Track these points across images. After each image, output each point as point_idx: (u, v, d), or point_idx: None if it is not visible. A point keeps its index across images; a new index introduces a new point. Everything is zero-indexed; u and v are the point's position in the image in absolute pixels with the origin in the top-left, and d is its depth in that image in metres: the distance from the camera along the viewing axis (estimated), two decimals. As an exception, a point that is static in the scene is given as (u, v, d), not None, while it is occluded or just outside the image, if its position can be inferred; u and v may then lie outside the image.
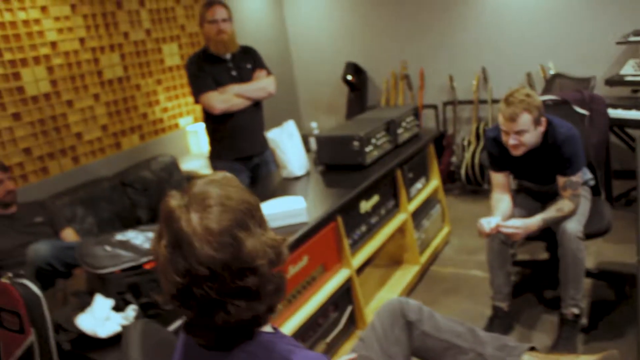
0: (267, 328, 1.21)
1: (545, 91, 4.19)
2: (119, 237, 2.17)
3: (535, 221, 2.68)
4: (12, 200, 3.27)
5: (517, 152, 2.75)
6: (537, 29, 4.80)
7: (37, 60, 3.81)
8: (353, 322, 2.98)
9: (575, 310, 2.76)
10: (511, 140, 2.70)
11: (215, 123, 3.47)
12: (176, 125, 4.93)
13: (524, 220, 2.68)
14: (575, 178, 2.74)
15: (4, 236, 3.18)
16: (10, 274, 1.95)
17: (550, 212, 2.72)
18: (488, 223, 2.68)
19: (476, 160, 4.89)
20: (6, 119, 3.63)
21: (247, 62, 3.55)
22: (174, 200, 1.10)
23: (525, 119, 2.61)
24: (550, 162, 2.79)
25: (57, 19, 3.92)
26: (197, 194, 1.10)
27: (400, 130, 3.59)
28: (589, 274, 3.24)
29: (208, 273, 1.04)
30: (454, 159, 5.17)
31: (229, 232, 1.05)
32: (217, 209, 1.07)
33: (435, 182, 4.02)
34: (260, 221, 1.14)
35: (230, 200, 1.09)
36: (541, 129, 2.69)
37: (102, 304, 1.93)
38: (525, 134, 2.65)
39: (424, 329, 1.94)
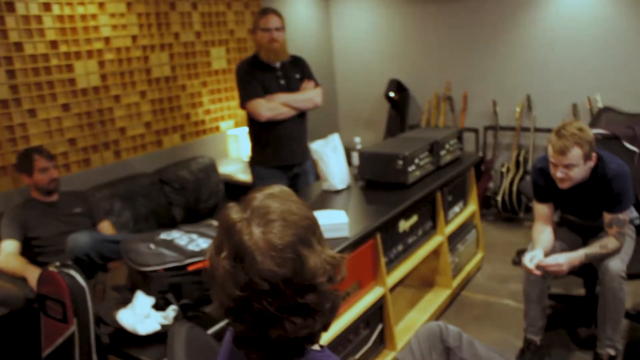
0: (315, 346, 1.19)
1: (592, 125, 4.12)
2: (164, 236, 2.19)
3: (577, 256, 2.63)
4: (55, 189, 3.32)
5: (564, 186, 2.70)
6: (587, 60, 4.74)
7: (90, 54, 3.88)
8: (382, 341, 2.96)
9: (611, 352, 2.71)
10: (559, 173, 2.65)
11: (260, 130, 3.49)
12: (217, 128, 4.98)
13: (567, 255, 2.63)
14: (622, 216, 2.69)
15: (45, 223, 3.23)
16: (57, 263, 1.98)
17: (594, 249, 2.67)
18: (530, 260, 2.64)
19: (514, 188, 4.83)
20: (56, 109, 3.71)
21: (296, 72, 3.57)
22: (235, 213, 1.09)
23: (576, 154, 2.57)
24: (597, 198, 2.74)
25: (112, 15, 3.99)
26: (258, 207, 1.08)
27: (443, 152, 3.57)
28: (626, 314, 3.17)
29: (269, 288, 1.02)
30: (491, 185, 5.12)
31: (292, 248, 1.04)
32: (280, 223, 1.06)
33: (473, 206, 3.98)
34: (320, 238, 1.12)
35: (292, 215, 1.08)
36: (591, 164, 2.65)
37: (143, 301, 1.94)
38: (574, 168, 2.61)
39: (462, 356, 1.91)
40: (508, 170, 4.97)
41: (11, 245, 3.10)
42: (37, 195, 3.29)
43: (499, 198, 4.91)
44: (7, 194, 3.46)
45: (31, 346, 2.33)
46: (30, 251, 3.18)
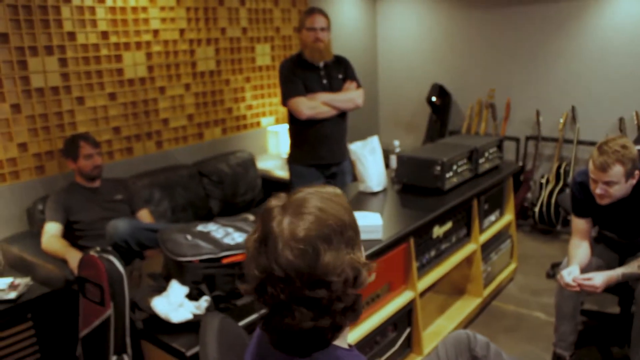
0: (343, 344, 1.21)
1: (637, 140, 4.04)
2: (200, 227, 2.24)
3: (615, 275, 2.58)
4: (98, 175, 3.41)
5: (603, 202, 2.66)
6: (637, 73, 4.63)
7: (138, 45, 3.97)
8: (409, 345, 2.97)
9: (644, 373, 2.66)
10: (598, 190, 2.61)
11: (300, 128, 3.53)
12: (258, 124, 5.04)
13: (603, 274, 2.57)
14: (662, 236, 2.64)
15: (87, 208, 3.33)
16: (98, 248, 2.05)
17: (632, 268, 2.62)
18: (569, 274, 2.60)
19: (553, 200, 4.76)
20: (103, 98, 3.81)
21: (339, 72, 3.60)
22: (275, 200, 1.15)
23: (617, 171, 2.52)
24: (637, 215, 2.69)
25: (162, 8, 4.08)
26: (296, 199, 1.14)
27: (482, 160, 3.54)
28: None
29: (283, 275, 1.07)
30: (529, 195, 5.05)
31: (311, 242, 1.07)
32: (308, 217, 1.10)
33: (509, 216, 3.94)
34: (349, 240, 1.14)
35: (323, 213, 1.11)
36: (633, 181, 2.60)
37: (177, 290, 1.99)
38: (614, 185, 2.56)
39: (489, 366, 1.91)
40: (548, 181, 4.90)
41: (54, 228, 3.21)
42: (81, 180, 3.38)
43: (537, 209, 4.85)
44: (53, 177, 3.58)
45: (69, 326, 2.42)
46: (71, 234, 3.29)
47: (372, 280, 1.21)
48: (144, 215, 3.57)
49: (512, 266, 4.04)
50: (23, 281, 2.91)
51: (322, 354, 1.15)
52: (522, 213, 5.04)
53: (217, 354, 1.36)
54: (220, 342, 1.38)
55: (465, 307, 3.50)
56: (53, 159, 3.59)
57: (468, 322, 3.48)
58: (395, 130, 6.28)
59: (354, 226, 1.17)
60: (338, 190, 1.21)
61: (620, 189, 2.59)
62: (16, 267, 3.17)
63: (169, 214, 3.98)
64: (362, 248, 1.20)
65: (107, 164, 3.81)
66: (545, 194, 4.84)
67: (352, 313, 1.15)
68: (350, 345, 1.24)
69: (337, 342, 1.19)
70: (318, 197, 1.15)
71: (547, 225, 4.86)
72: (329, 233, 1.10)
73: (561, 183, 4.81)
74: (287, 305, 1.09)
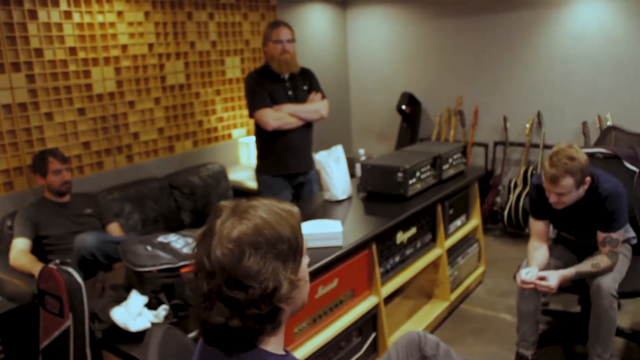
0: (277, 349, 1.23)
1: (598, 143, 4.13)
2: (161, 238, 2.28)
3: (569, 273, 2.66)
4: (67, 190, 3.43)
5: (558, 207, 2.75)
6: (599, 78, 4.76)
7: (107, 60, 4.01)
8: (375, 350, 3.02)
9: (601, 369, 2.73)
10: (551, 199, 2.70)
11: (266, 138, 3.58)
12: (229, 136, 5.08)
13: (558, 273, 2.65)
14: (615, 235, 2.72)
15: (56, 223, 3.35)
16: (57, 261, 2.08)
17: (586, 266, 2.70)
18: (526, 273, 2.68)
19: (521, 204, 4.86)
20: (72, 113, 3.84)
21: (304, 83, 3.66)
22: (227, 202, 1.23)
23: (567, 183, 2.60)
24: (591, 216, 2.77)
25: (130, 24, 4.12)
26: (246, 205, 1.20)
27: (445, 166, 3.62)
28: (622, 333, 3.19)
29: (211, 269, 1.14)
30: (498, 199, 5.15)
31: (239, 244, 1.13)
32: (246, 223, 1.15)
33: (475, 221, 4.02)
34: (281, 254, 1.17)
35: (263, 222, 1.16)
36: (585, 187, 2.67)
37: (136, 300, 2.03)
38: (566, 194, 2.65)
39: (439, 365, 1.97)
40: (515, 185, 5.00)
41: (22, 243, 3.23)
42: (50, 195, 3.41)
43: (505, 213, 4.94)
44: (21, 193, 3.60)
45: (33, 339, 2.43)
46: (41, 249, 3.30)
47: (305, 302, 1.26)
48: (114, 229, 3.59)
49: (480, 270, 4.11)
50: (-10, 297, 2.92)
51: (249, 355, 1.18)
52: (492, 217, 5.12)
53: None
54: (162, 353, 1.42)
55: (432, 311, 3.56)
56: (22, 174, 3.61)
57: (436, 326, 3.53)
58: (367, 138, 6.36)
59: (293, 243, 1.19)
60: (294, 209, 1.25)
61: (572, 197, 2.67)
62: (-16, 283, 3.18)
63: (140, 227, 4.01)
64: (300, 267, 1.22)
65: (78, 178, 3.83)
66: (513, 197, 4.94)
67: (270, 324, 1.18)
68: (286, 351, 1.28)
69: (270, 348, 1.21)
70: (267, 208, 1.20)
71: (515, 228, 4.95)
72: (261, 241, 1.14)
73: (528, 187, 4.91)
74: (209, 298, 1.15)
